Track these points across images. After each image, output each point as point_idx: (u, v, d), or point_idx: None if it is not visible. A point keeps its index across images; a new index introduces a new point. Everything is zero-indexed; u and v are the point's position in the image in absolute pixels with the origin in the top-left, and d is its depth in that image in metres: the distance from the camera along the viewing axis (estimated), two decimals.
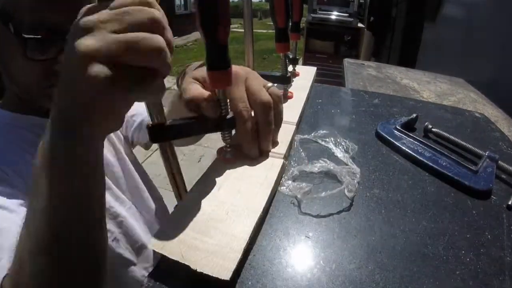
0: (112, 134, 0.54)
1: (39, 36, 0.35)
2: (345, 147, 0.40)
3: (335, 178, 0.35)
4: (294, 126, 0.44)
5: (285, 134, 0.40)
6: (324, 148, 0.41)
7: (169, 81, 5.21)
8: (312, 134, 0.44)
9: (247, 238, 0.24)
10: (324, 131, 0.44)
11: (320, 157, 0.37)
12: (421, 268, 0.25)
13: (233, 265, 0.22)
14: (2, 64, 0.41)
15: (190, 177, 0.38)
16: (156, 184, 0.64)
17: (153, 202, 0.59)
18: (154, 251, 0.23)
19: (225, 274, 0.21)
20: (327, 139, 0.42)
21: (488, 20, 1.64)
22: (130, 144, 0.61)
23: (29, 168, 0.23)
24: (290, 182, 0.33)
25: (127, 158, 0.56)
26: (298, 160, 0.38)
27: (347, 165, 0.37)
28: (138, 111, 0.60)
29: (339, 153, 0.39)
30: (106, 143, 0.51)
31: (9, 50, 0.37)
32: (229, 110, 0.31)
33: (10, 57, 0.38)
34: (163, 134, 0.28)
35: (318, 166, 0.36)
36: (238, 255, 0.22)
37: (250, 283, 0.23)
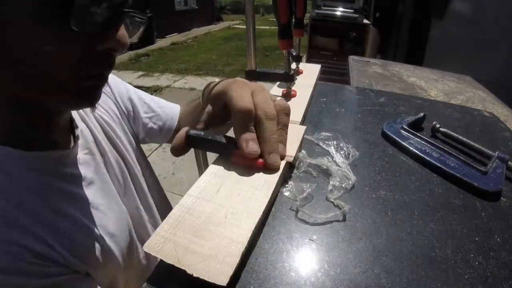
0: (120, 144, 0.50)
1: None
2: (346, 153, 0.39)
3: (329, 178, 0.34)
4: (304, 126, 0.40)
5: (295, 134, 0.37)
6: (325, 152, 0.40)
7: (169, 79, 5.22)
8: (314, 136, 0.43)
9: (246, 243, 0.23)
10: (327, 134, 0.43)
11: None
12: (428, 272, 0.25)
13: (230, 270, 0.21)
14: (10, 62, 0.28)
15: (190, 177, 0.38)
16: None
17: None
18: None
19: (222, 279, 0.20)
20: (329, 142, 0.41)
21: (496, 16, 1.61)
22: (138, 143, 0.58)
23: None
24: (291, 182, 0.32)
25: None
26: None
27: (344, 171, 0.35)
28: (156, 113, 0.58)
29: (338, 158, 0.38)
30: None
31: (31, 31, 0.26)
32: None
33: (31, 43, 0.27)
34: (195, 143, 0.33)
35: (317, 160, 0.35)
36: (236, 260, 0.22)
37: (252, 287, 0.23)
